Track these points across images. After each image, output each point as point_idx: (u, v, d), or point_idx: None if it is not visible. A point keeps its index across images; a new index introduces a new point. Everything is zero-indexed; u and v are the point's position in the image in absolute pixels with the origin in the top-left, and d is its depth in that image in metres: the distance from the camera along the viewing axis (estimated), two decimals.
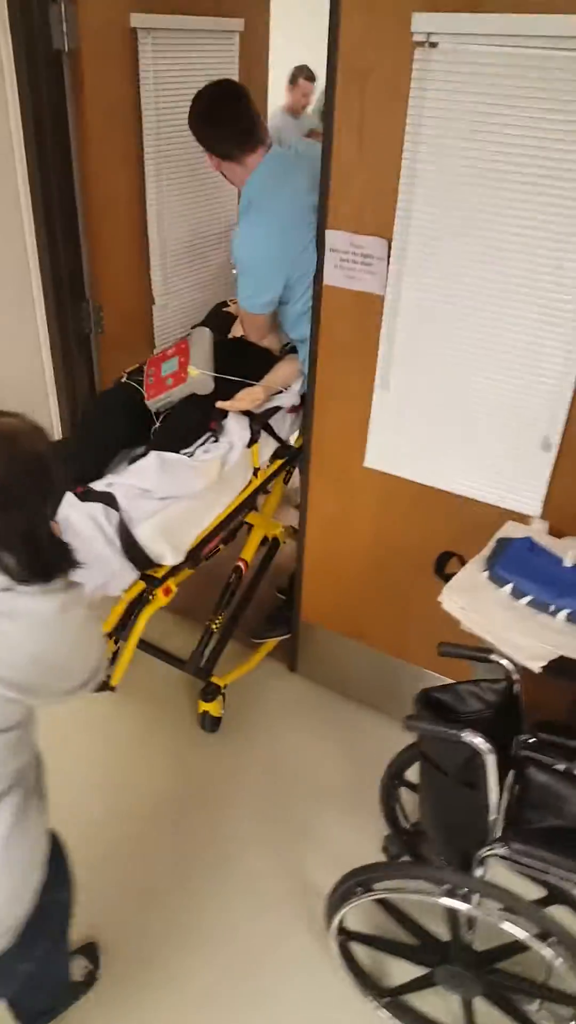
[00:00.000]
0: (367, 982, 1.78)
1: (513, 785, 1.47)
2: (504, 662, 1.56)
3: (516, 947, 1.64)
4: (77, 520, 1.81)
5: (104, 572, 1.84)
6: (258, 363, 2.32)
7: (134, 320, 2.68)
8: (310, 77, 4.78)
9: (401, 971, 1.78)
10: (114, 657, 2.24)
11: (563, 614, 1.55)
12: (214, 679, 2.37)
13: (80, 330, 2.55)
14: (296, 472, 2.47)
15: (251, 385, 2.22)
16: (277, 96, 4.57)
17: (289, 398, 2.31)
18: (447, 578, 1.70)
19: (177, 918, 1.94)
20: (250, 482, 2.25)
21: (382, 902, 1.82)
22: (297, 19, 3.78)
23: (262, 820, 2.19)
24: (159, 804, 2.22)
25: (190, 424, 2.09)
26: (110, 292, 2.55)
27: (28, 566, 1.16)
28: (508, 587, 1.62)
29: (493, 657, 1.57)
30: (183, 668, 2.40)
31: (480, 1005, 1.68)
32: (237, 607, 2.51)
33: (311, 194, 1.92)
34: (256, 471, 2.26)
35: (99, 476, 1.97)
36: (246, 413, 2.18)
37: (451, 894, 1.49)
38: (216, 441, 2.10)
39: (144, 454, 2.03)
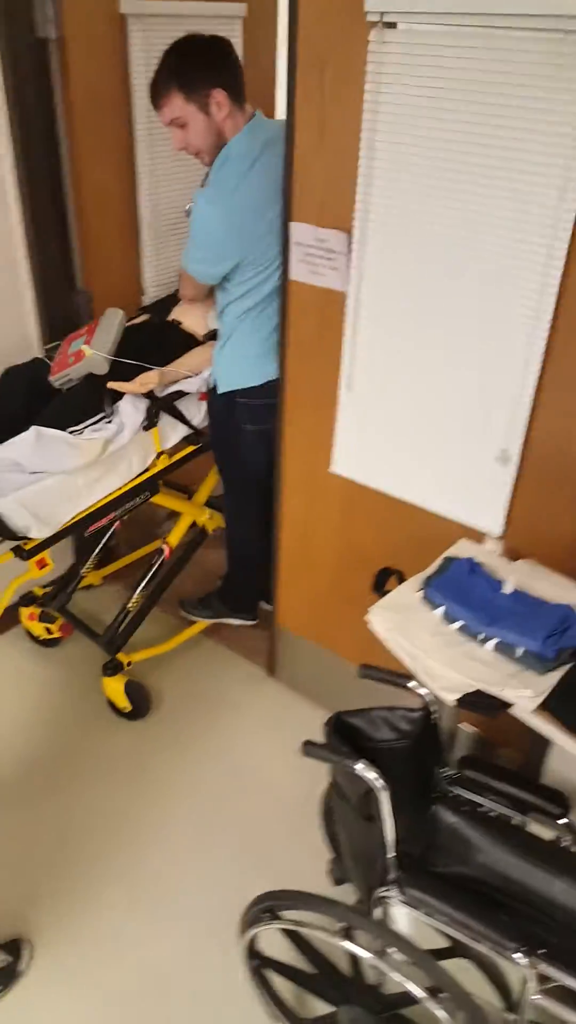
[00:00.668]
0: (282, 1011, 1.70)
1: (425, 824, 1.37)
2: (422, 691, 1.45)
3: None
4: None
5: None
6: (176, 349, 2.29)
7: (126, 308, 2.64)
8: None
9: (322, 1005, 1.69)
10: None
11: (491, 644, 1.43)
12: (120, 656, 2.39)
13: (71, 319, 2.53)
14: None
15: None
16: None
17: (196, 384, 2.27)
18: (385, 595, 1.60)
19: (96, 923, 1.91)
20: (153, 464, 2.23)
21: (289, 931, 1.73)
22: None
23: (206, 829, 2.12)
24: (94, 802, 2.18)
25: (81, 402, 2.08)
26: (101, 281, 2.52)
27: None
28: (440, 610, 1.51)
29: (411, 685, 1.46)
30: (96, 641, 2.45)
31: None
32: (157, 589, 2.51)
33: (280, 179, 1.81)
34: (160, 455, 2.24)
35: None
36: (148, 396, 2.15)
37: (346, 934, 1.40)
38: (110, 422, 2.08)
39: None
